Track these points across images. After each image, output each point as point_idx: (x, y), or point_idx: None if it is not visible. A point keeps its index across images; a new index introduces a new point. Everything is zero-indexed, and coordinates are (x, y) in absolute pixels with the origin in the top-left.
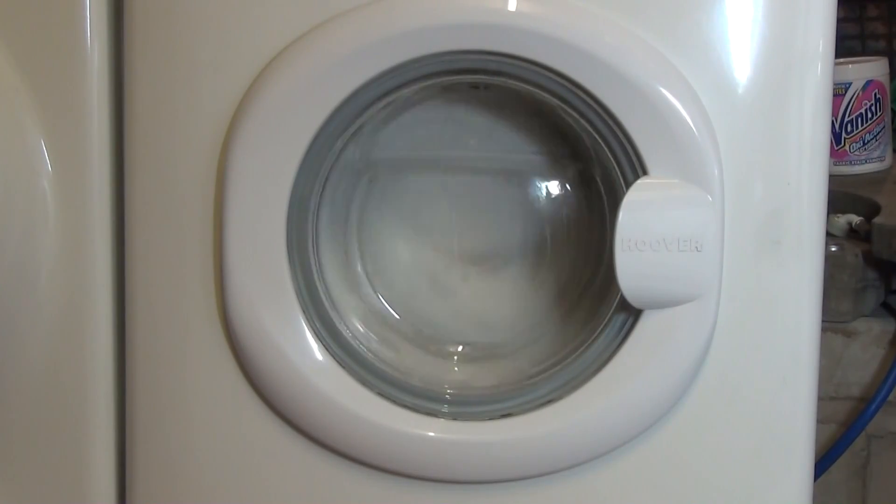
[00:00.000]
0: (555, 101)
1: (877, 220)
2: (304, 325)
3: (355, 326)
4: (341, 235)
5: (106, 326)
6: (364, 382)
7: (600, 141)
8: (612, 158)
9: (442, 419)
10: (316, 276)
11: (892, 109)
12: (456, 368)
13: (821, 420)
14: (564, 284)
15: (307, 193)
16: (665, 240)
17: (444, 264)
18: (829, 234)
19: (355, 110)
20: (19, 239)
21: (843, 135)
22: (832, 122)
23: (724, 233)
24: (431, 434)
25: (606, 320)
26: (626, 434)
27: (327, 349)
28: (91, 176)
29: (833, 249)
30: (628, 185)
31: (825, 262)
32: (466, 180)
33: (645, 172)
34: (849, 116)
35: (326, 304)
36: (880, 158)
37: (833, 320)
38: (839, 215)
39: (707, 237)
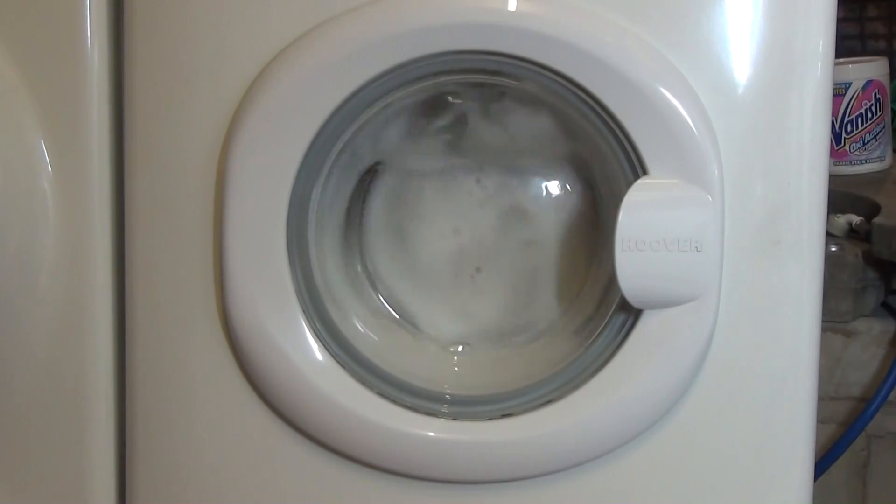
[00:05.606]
0: (555, 100)
1: (877, 220)
2: (304, 325)
3: (355, 326)
4: (341, 235)
5: (106, 326)
6: (364, 382)
7: (600, 141)
8: (612, 158)
9: (442, 419)
10: (316, 276)
11: (892, 109)
12: (456, 368)
13: (821, 420)
14: (565, 284)
15: (307, 193)
16: (665, 240)
17: (445, 264)
18: (829, 234)
19: (355, 110)
20: (19, 239)
21: (843, 135)
22: (832, 122)
23: (724, 233)
24: (431, 434)
25: (606, 320)
26: (626, 434)
27: (327, 349)
28: (91, 176)
29: (833, 249)
30: (628, 185)
31: (825, 262)
32: (466, 180)
33: (645, 172)
34: (849, 116)
35: (326, 304)
36: (880, 158)
37: (833, 320)
38: (839, 215)
39: (707, 237)
